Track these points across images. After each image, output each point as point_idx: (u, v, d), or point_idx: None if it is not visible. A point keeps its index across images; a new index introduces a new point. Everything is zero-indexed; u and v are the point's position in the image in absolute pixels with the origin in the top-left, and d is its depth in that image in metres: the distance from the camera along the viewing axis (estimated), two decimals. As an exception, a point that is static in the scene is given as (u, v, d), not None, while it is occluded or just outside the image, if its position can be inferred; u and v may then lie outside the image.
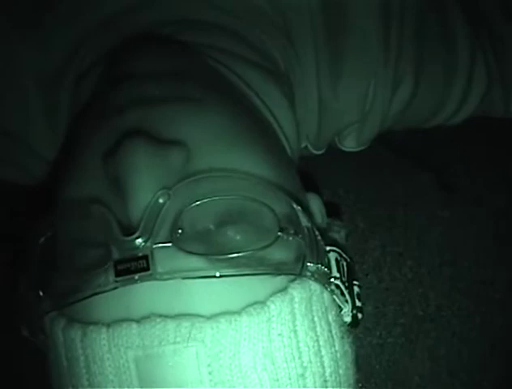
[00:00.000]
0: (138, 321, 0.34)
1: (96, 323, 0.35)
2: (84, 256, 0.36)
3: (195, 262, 0.34)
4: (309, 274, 0.36)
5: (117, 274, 0.34)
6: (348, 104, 0.54)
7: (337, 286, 0.39)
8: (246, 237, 0.36)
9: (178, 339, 0.33)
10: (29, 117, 0.53)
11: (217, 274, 0.34)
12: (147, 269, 0.33)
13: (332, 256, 0.40)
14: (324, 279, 0.38)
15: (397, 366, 0.60)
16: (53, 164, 0.52)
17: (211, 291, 0.34)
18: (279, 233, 0.35)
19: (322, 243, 0.38)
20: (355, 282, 0.42)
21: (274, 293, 0.36)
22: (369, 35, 0.53)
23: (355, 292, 0.42)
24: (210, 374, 0.33)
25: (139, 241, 0.34)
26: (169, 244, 0.34)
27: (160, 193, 0.34)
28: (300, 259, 0.36)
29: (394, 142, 0.65)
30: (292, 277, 0.37)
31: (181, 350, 0.33)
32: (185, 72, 0.45)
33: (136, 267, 0.33)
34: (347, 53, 0.53)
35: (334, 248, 0.40)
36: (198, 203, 0.35)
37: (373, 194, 0.64)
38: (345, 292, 0.40)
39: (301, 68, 0.54)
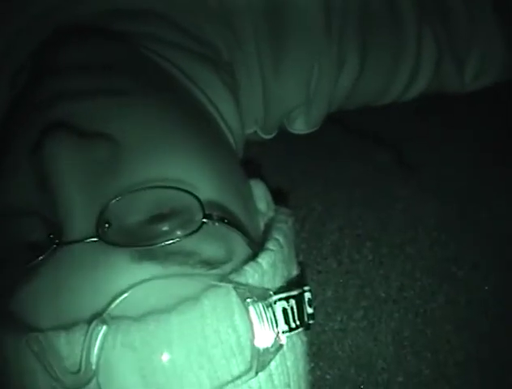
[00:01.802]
0: (67, 328, 0.33)
1: (30, 331, 0.34)
2: None
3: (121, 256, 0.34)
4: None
5: None
6: (292, 88, 0.55)
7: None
8: (173, 228, 0.35)
9: (106, 345, 0.32)
10: None
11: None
12: None
13: (279, 307, 0.37)
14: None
15: (360, 351, 0.58)
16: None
17: (137, 290, 0.33)
18: (204, 220, 0.35)
19: (272, 301, 0.37)
20: (305, 288, 0.41)
21: (208, 288, 0.34)
22: (309, 17, 0.53)
23: (305, 299, 0.40)
24: (143, 378, 0.32)
25: None
26: None
27: (94, 323, 0.32)
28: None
29: (349, 121, 0.64)
30: (229, 269, 0.36)
31: (108, 356, 0.32)
32: (116, 64, 0.44)
33: None
34: (289, 38, 0.53)
35: (280, 295, 0.38)
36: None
37: (329, 176, 0.63)
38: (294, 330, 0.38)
39: (244, 56, 0.53)
